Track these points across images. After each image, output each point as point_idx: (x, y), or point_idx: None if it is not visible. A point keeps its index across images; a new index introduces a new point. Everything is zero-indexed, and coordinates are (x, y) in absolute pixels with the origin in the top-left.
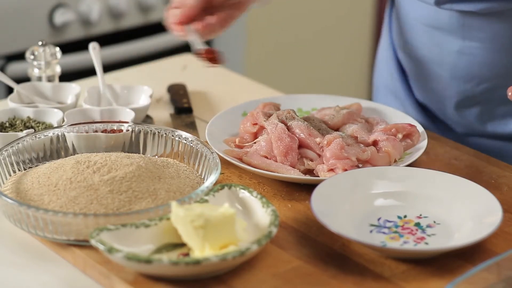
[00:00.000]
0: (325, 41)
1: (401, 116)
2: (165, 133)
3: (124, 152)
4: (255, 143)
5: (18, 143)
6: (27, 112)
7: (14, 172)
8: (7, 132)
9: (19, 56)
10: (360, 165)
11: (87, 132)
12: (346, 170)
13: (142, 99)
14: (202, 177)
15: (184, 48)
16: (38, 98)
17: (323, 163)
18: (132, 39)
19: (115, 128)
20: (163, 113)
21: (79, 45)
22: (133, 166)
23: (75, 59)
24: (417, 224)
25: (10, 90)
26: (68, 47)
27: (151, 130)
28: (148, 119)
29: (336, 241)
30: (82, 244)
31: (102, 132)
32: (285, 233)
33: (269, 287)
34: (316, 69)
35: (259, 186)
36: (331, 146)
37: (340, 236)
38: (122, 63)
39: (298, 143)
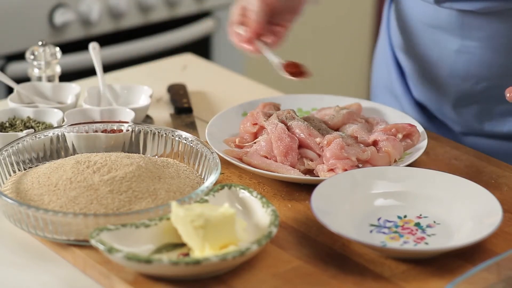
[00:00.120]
0: (325, 41)
1: (401, 116)
2: (165, 133)
3: (124, 152)
4: (255, 143)
5: (18, 143)
6: (27, 112)
7: (14, 172)
8: (7, 132)
9: (19, 56)
10: (360, 165)
11: (87, 132)
12: (346, 170)
13: (142, 99)
14: (202, 177)
15: (184, 48)
16: (38, 98)
17: (323, 163)
18: (132, 39)
19: (115, 128)
20: (163, 113)
21: (79, 45)
22: (133, 166)
23: (75, 59)
24: (417, 224)
25: (10, 90)
26: (68, 47)
27: (151, 130)
28: (148, 119)
29: (336, 241)
30: (82, 244)
31: (102, 132)
32: (285, 233)
33: (269, 287)
34: (316, 69)
35: (259, 186)
36: (331, 146)
37: (340, 236)
38: (122, 63)
39: (298, 143)
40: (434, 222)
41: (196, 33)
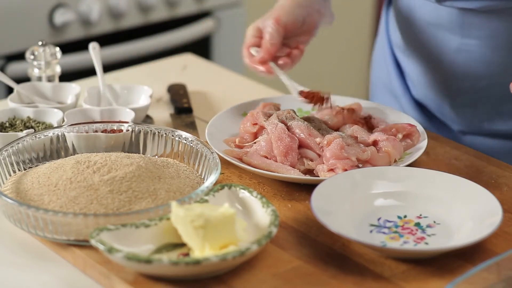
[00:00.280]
0: (325, 41)
1: (401, 116)
2: (165, 133)
3: (124, 152)
4: (255, 143)
5: (18, 143)
6: (27, 112)
7: (14, 172)
8: (7, 132)
9: (19, 56)
10: (360, 165)
11: (87, 132)
12: (346, 170)
13: (142, 99)
14: (202, 177)
15: (184, 48)
16: (38, 98)
17: (323, 163)
18: (132, 39)
19: (115, 128)
20: (163, 113)
21: (79, 45)
22: (133, 166)
23: (75, 59)
24: (417, 224)
25: (10, 90)
26: (68, 47)
27: (151, 130)
28: (148, 119)
29: (336, 241)
30: (82, 244)
31: (102, 132)
32: (285, 233)
33: (269, 287)
34: (316, 69)
35: (259, 186)
36: (331, 146)
37: (340, 236)
38: (122, 63)
39: (298, 143)
40: (434, 222)
41: (196, 33)
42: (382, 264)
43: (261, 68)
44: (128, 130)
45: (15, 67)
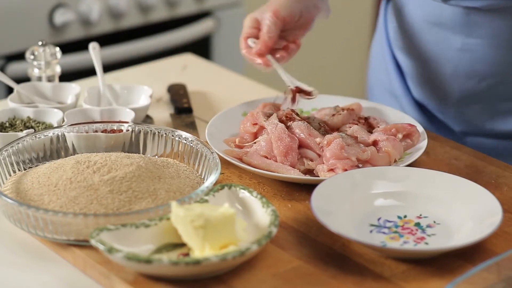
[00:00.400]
0: (325, 41)
1: (401, 116)
2: (165, 133)
3: (124, 152)
4: (255, 143)
5: (18, 143)
6: (27, 112)
7: (14, 172)
8: (7, 132)
9: (19, 56)
10: (360, 165)
11: (87, 132)
12: (346, 170)
13: (142, 99)
14: (202, 177)
15: (184, 48)
16: (38, 98)
17: (323, 163)
18: (132, 39)
19: (115, 128)
20: (163, 113)
21: (79, 45)
22: (133, 166)
23: (75, 59)
24: (417, 224)
25: (10, 90)
26: (68, 47)
27: (151, 130)
28: (148, 119)
29: (336, 241)
30: (82, 244)
31: (102, 132)
32: (285, 233)
33: (269, 287)
34: (316, 69)
35: (259, 186)
36: (331, 146)
37: (340, 236)
38: (122, 63)
39: (298, 143)
40: (434, 222)
41: (196, 33)
42: (382, 264)
43: (258, 60)
44: (128, 130)
45: (15, 67)
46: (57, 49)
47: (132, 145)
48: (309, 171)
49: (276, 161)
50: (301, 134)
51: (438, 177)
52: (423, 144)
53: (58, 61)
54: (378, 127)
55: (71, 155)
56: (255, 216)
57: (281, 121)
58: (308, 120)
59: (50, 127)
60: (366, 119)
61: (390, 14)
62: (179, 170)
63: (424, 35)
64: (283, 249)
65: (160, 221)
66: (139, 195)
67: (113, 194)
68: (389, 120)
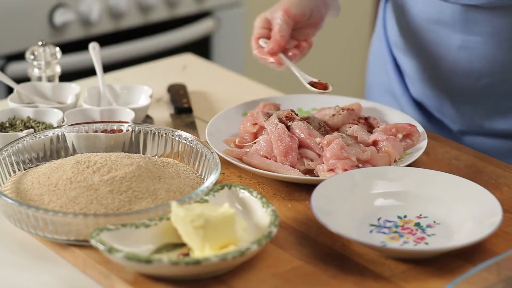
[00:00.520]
0: (325, 41)
1: (401, 116)
2: (165, 133)
3: (124, 152)
4: (255, 143)
5: (18, 143)
6: (27, 112)
7: (14, 172)
8: (7, 132)
9: (19, 56)
10: (360, 165)
11: (87, 132)
12: (346, 170)
13: (142, 99)
14: (202, 177)
15: (184, 48)
16: (38, 98)
17: (323, 163)
18: (132, 39)
19: (115, 128)
20: (163, 113)
21: (79, 45)
22: (133, 166)
23: (75, 59)
24: (417, 224)
25: (10, 90)
26: (68, 47)
27: (151, 130)
28: (148, 119)
29: (336, 241)
30: (82, 244)
31: (102, 132)
32: (285, 233)
33: (269, 287)
34: (316, 69)
35: (259, 186)
36: (331, 146)
37: (340, 236)
38: (122, 63)
39: (298, 143)
40: (434, 222)
41: (196, 33)
42: (382, 264)
43: (271, 59)
44: (128, 130)
45: (15, 67)
46: (57, 49)
47: (132, 145)
48: (309, 171)
49: (276, 161)
50: (301, 134)
51: (438, 177)
52: (423, 144)
53: (58, 61)
54: (378, 127)
55: (71, 155)
56: (255, 216)
57: (281, 121)
58: (308, 120)
59: (50, 127)
60: (366, 119)
61: (389, 13)
62: (179, 170)
63: (423, 33)
64: (283, 249)
65: (160, 221)
66: (139, 195)
67: (113, 194)
68: (389, 120)
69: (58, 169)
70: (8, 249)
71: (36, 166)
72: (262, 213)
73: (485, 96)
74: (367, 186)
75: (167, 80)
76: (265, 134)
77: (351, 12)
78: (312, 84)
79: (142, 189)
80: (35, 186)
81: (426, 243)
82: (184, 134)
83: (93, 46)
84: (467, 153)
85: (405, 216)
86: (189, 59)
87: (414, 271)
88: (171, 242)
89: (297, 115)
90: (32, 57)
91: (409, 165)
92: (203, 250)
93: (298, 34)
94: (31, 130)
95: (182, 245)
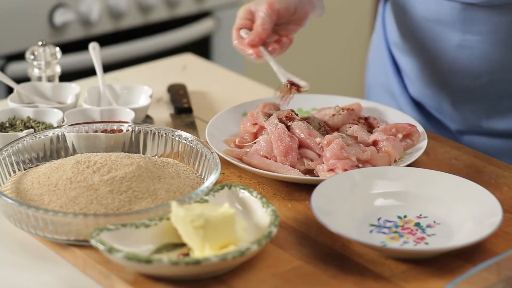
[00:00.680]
0: (324, 41)
1: (401, 116)
2: (165, 133)
3: (124, 152)
4: (255, 143)
5: (18, 143)
6: (27, 112)
7: (14, 172)
8: (7, 132)
9: (19, 56)
10: (360, 165)
11: (87, 132)
12: (346, 170)
13: (142, 99)
14: (202, 177)
15: (184, 48)
16: (38, 98)
17: (323, 163)
18: (132, 39)
19: (115, 128)
20: (163, 113)
21: (79, 45)
22: (133, 166)
23: (75, 59)
24: (417, 224)
25: (10, 90)
26: (68, 47)
27: (151, 130)
28: (148, 119)
29: (336, 241)
30: (82, 244)
31: (102, 132)
32: (285, 233)
33: (269, 287)
34: (316, 69)
35: (259, 186)
36: (331, 146)
37: (340, 236)
38: (122, 63)
39: (298, 143)
40: (434, 222)
41: (196, 33)
42: (382, 264)
43: (250, 51)
44: (128, 130)
45: (15, 67)
46: (57, 49)
47: (132, 145)
48: (309, 171)
49: (276, 161)
50: (301, 134)
51: (438, 177)
52: (423, 144)
53: (58, 61)
54: (378, 127)
55: (71, 155)
56: (255, 216)
57: (281, 121)
58: (308, 120)
59: (50, 127)
60: (366, 119)
61: (388, 12)
62: (179, 170)
63: (422, 32)
64: (283, 249)
65: (160, 221)
66: (139, 195)
67: (113, 194)
68: (389, 120)
69: (58, 169)
70: (8, 249)
71: (36, 166)
72: (262, 213)
73: (483, 96)
74: (367, 186)
75: (167, 80)
76: (265, 134)
77: (351, 12)
78: (291, 83)
79: (142, 189)
80: (35, 186)
81: (426, 243)
82: (184, 134)
83: (93, 46)
84: (467, 153)
85: (405, 216)
86: (189, 59)
87: (414, 271)
88: (171, 242)
89: (297, 115)
90: (32, 57)
91: (409, 165)
92: (203, 250)
93: (280, 29)
94: (31, 130)
95: (182, 245)
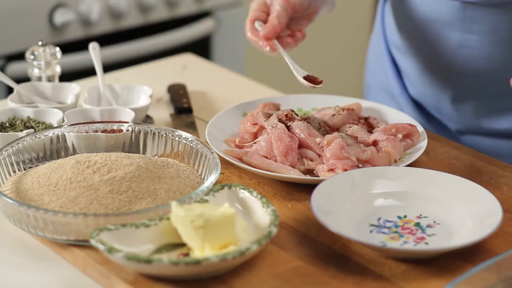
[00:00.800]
0: (324, 41)
1: (401, 116)
2: (165, 133)
3: (124, 152)
4: (255, 143)
5: (18, 143)
6: (27, 112)
7: (14, 172)
8: (7, 132)
9: (19, 56)
10: (360, 165)
11: (87, 132)
12: (346, 170)
13: (142, 99)
14: (202, 177)
15: (184, 48)
16: (38, 98)
17: (323, 163)
18: (132, 39)
19: (115, 128)
20: (163, 113)
21: (79, 45)
22: (133, 166)
23: (75, 59)
24: (417, 224)
25: (10, 90)
26: (68, 47)
27: (151, 130)
28: (148, 119)
29: (336, 241)
30: (82, 244)
31: (102, 132)
32: (285, 233)
33: (269, 287)
34: (316, 69)
35: (259, 186)
36: (331, 146)
37: (340, 236)
38: (122, 63)
39: (298, 143)
40: (434, 222)
41: (196, 33)
42: (382, 264)
43: (264, 44)
44: (128, 130)
45: (15, 67)
46: (57, 49)
47: (132, 145)
48: (309, 171)
49: (276, 161)
50: (301, 134)
51: (438, 177)
52: (423, 144)
53: (58, 61)
54: (378, 127)
55: (71, 155)
56: (255, 216)
57: (281, 121)
58: (308, 120)
59: (50, 127)
60: (366, 119)
61: (388, 12)
62: (179, 170)
63: (421, 32)
64: (283, 249)
65: (160, 221)
66: (139, 195)
67: (113, 194)
68: (389, 120)
69: (58, 169)
70: (8, 249)
71: (36, 166)
72: (262, 213)
73: (483, 95)
74: (367, 186)
75: (167, 80)
76: (265, 134)
77: (350, 12)
78: (306, 77)
79: (142, 189)
80: (35, 186)
81: (426, 243)
82: (184, 134)
83: (93, 46)
84: (467, 153)
85: (405, 216)
86: (189, 59)
87: (414, 271)
88: (171, 242)
89: (297, 115)
90: (32, 57)
91: (409, 165)
92: (203, 250)
93: (292, 24)
94: (31, 130)
95: (182, 245)
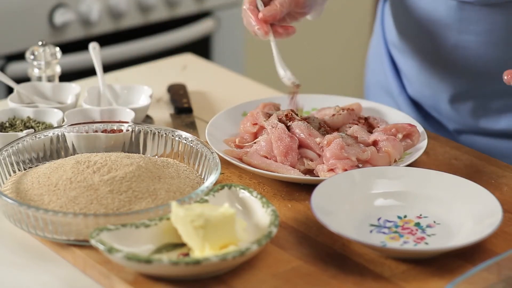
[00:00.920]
0: (324, 41)
1: (401, 116)
2: (165, 133)
3: (124, 152)
4: (255, 143)
5: (18, 143)
6: (27, 112)
7: (14, 172)
8: (7, 132)
9: (19, 56)
10: (360, 165)
11: (87, 132)
12: (346, 170)
13: (142, 99)
14: (202, 177)
15: (184, 48)
16: (38, 98)
17: (323, 163)
18: (132, 39)
19: (115, 128)
20: (163, 113)
21: (79, 45)
22: (133, 166)
23: (75, 59)
24: (417, 224)
25: (10, 90)
26: (68, 47)
27: (151, 130)
28: (148, 119)
29: (336, 241)
30: (82, 244)
31: (102, 132)
32: (285, 233)
33: (269, 287)
34: (316, 69)
35: (259, 186)
36: (331, 146)
37: (340, 236)
38: (122, 63)
39: (298, 143)
40: (434, 222)
41: (196, 33)
42: (382, 264)
43: (258, 26)
44: (128, 130)
45: (15, 67)
46: (57, 49)
47: (132, 145)
48: (309, 171)
49: (276, 161)
50: (301, 134)
51: (438, 177)
52: (423, 144)
53: (58, 61)
54: (378, 127)
55: (71, 155)
56: (255, 216)
57: (281, 121)
58: (308, 120)
59: (50, 127)
60: (366, 119)
61: (387, 12)
62: (179, 170)
63: (419, 32)
64: (283, 249)
65: (160, 221)
66: (139, 195)
67: (113, 194)
68: (389, 120)
69: (58, 169)
70: (8, 249)
71: (36, 166)
72: (262, 213)
73: (479, 95)
74: (367, 186)
75: (167, 80)
76: (265, 134)
77: (350, 12)
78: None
79: (142, 189)
80: (35, 186)
81: (426, 243)
82: (184, 134)
83: (93, 46)
84: (467, 153)
85: (405, 216)
86: (189, 59)
87: (414, 271)
88: (171, 242)
89: (297, 115)
90: (32, 57)
91: (409, 165)
92: (203, 250)
93: (287, 16)
94: (31, 130)
95: (182, 245)
